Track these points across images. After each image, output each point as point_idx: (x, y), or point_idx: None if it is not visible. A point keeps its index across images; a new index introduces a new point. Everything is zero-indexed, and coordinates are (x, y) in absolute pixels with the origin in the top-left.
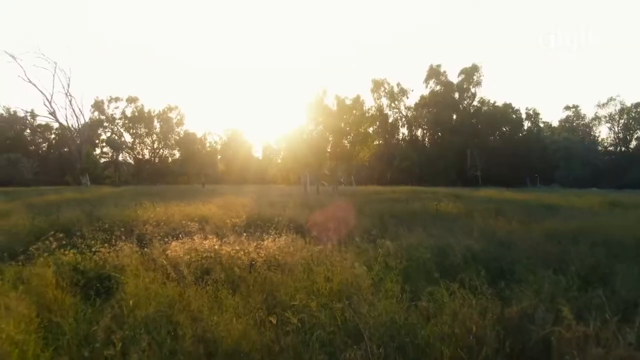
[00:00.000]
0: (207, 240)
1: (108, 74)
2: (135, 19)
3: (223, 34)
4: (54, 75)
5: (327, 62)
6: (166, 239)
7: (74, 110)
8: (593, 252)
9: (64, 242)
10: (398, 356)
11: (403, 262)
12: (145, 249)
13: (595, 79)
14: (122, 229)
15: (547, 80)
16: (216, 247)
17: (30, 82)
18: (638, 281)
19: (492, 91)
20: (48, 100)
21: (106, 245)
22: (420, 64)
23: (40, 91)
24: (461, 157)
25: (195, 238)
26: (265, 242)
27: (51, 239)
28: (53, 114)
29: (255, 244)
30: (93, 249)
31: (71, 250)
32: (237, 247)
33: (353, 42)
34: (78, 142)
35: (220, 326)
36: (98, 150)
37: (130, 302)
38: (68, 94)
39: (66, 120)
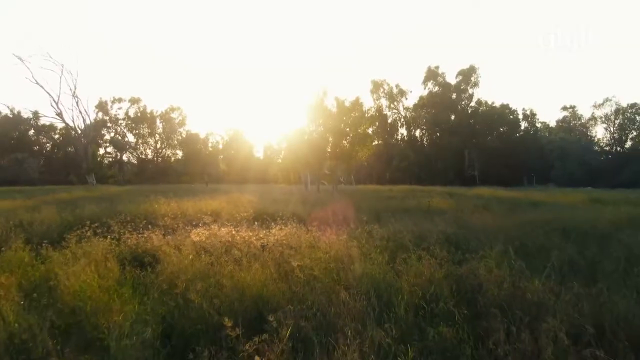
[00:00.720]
0: (224, 228)
1: (110, 75)
2: (136, 20)
3: (224, 35)
4: (60, 77)
5: (328, 62)
6: (187, 228)
7: (80, 112)
8: (547, 235)
9: (98, 230)
10: (376, 298)
11: (389, 242)
12: (169, 237)
13: (595, 79)
14: (144, 221)
15: (546, 81)
16: (233, 232)
17: (37, 83)
18: (570, 254)
19: (490, 91)
20: (55, 101)
21: (134, 233)
22: (419, 65)
23: (48, 93)
24: (459, 157)
25: (212, 227)
26: (273, 231)
27: (87, 227)
28: (60, 114)
29: (264, 232)
30: (125, 236)
31: (108, 237)
32: (250, 234)
33: (353, 42)
34: (84, 142)
35: (247, 280)
36: (102, 150)
37: (179, 266)
38: (75, 95)
39: (73, 121)
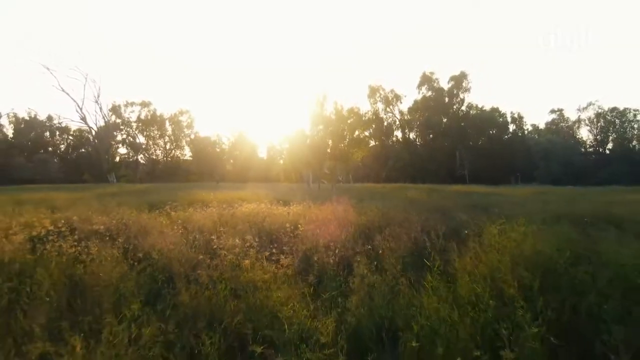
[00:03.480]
0: (262, 205)
1: (117, 77)
2: (143, 24)
3: (227, 38)
4: (84, 85)
5: (328, 62)
6: (235, 206)
7: (103, 116)
8: (459, 207)
9: (178, 208)
10: (346, 222)
11: (361, 208)
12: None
13: (589, 81)
14: (200, 204)
15: (540, 84)
16: (269, 207)
17: (64, 91)
18: (466, 213)
19: (485, 93)
20: (79, 107)
21: (204, 209)
22: (415, 65)
23: (73, 99)
24: (451, 158)
25: (251, 205)
26: (292, 208)
27: (168, 206)
28: (84, 119)
29: (287, 208)
30: (199, 210)
31: (188, 210)
32: (279, 208)
33: (352, 43)
34: (106, 144)
35: (289, 218)
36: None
37: (251, 215)
38: (98, 101)
39: (96, 125)
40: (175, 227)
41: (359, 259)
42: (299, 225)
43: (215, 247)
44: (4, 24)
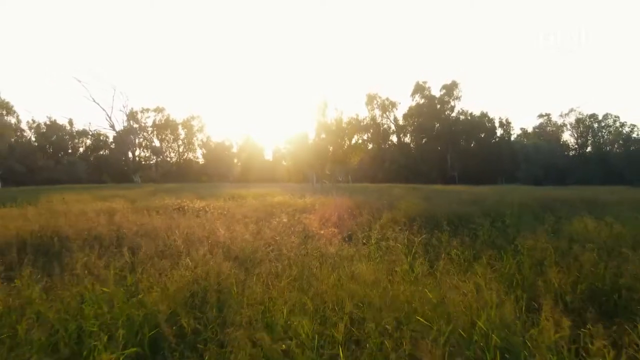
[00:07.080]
0: (285, 197)
1: (130, 83)
2: (150, 32)
3: (234, 46)
4: (113, 97)
5: (330, 68)
6: (267, 198)
7: (130, 123)
8: (417, 197)
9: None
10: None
11: (351, 197)
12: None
13: (586, 83)
14: (239, 197)
15: (535, 87)
16: (291, 197)
17: (94, 101)
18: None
19: (477, 97)
20: (109, 115)
21: (246, 200)
22: (412, 70)
23: (103, 109)
24: (442, 160)
25: (278, 197)
26: (307, 199)
27: (223, 198)
28: (112, 126)
29: (303, 200)
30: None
31: (237, 200)
32: (297, 199)
33: (353, 50)
34: (131, 147)
35: (309, 201)
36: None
37: (283, 199)
38: (125, 111)
39: (122, 130)
40: (243, 207)
41: (345, 216)
42: (315, 206)
43: (279, 211)
44: (31, 35)
